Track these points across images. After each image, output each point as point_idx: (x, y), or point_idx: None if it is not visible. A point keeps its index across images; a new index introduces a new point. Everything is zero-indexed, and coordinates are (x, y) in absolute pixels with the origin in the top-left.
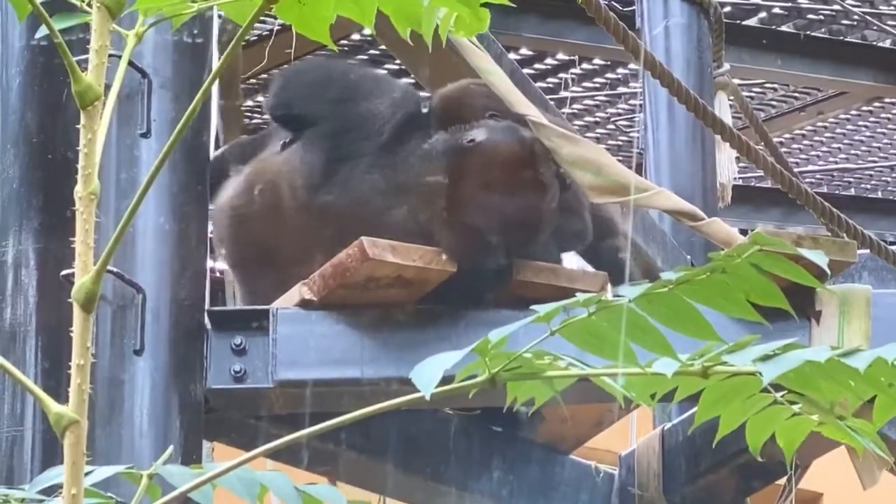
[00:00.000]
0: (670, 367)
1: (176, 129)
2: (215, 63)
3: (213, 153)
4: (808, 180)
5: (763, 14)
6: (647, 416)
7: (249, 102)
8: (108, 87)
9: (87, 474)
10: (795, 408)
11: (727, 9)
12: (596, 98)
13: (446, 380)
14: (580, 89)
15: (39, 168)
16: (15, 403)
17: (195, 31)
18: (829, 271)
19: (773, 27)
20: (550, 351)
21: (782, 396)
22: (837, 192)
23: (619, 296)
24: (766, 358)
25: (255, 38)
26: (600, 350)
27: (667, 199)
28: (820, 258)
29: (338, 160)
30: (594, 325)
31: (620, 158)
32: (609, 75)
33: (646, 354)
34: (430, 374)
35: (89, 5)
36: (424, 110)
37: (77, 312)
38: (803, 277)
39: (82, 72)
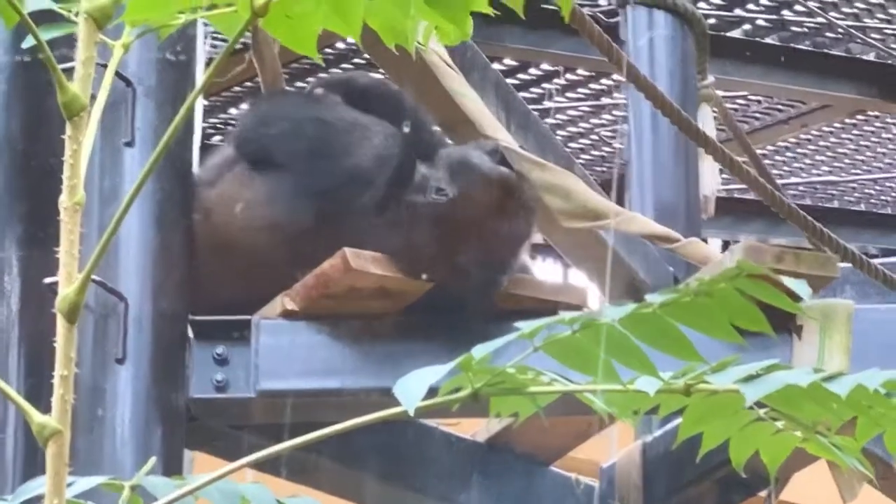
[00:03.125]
0: (653, 385)
1: (162, 141)
2: (199, 74)
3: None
4: (791, 192)
5: (747, 26)
6: (628, 427)
7: (233, 111)
8: (93, 98)
9: (69, 485)
10: (779, 424)
11: (711, 21)
12: (580, 108)
13: (429, 392)
14: (564, 100)
15: (23, 176)
16: None
17: (178, 48)
18: (807, 298)
19: (758, 39)
20: (533, 366)
21: (766, 413)
22: (821, 204)
23: (601, 316)
24: (749, 378)
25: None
26: (583, 367)
27: (640, 223)
28: (802, 288)
29: (328, 216)
30: (578, 343)
31: (604, 170)
32: (593, 86)
33: (629, 372)
34: (414, 389)
35: (76, 16)
36: (406, 129)
37: (61, 323)
38: (785, 303)
39: (68, 82)
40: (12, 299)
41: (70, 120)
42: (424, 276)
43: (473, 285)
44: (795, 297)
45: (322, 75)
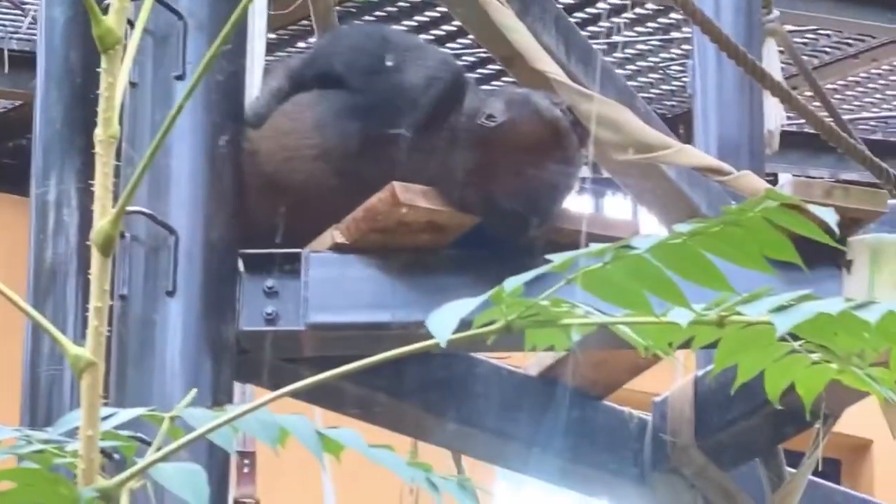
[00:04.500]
0: (685, 317)
1: (201, 65)
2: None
3: (251, 96)
4: (861, 127)
5: None
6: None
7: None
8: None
9: (111, 416)
10: (814, 356)
11: None
12: (648, 43)
13: (465, 325)
14: (632, 34)
15: (81, 108)
16: (54, 343)
17: None
18: (836, 230)
19: None
20: (568, 299)
21: (801, 345)
22: (891, 138)
23: (633, 246)
24: (780, 309)
25: None
26: (616, 299)
27: (690, 155)
28: (829, 216)
29: (372, 136)
30: (609, 275)
31: (674, 104)
32: (662, 20)
33: (662, 304)
34: (446, 321)
35: None
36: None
37: (95, 255)
38: (814, 232)
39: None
40: (71, 231)
41: (105, 53)
42: (456, 203)
43: (504, 221)
44: (832, 232)
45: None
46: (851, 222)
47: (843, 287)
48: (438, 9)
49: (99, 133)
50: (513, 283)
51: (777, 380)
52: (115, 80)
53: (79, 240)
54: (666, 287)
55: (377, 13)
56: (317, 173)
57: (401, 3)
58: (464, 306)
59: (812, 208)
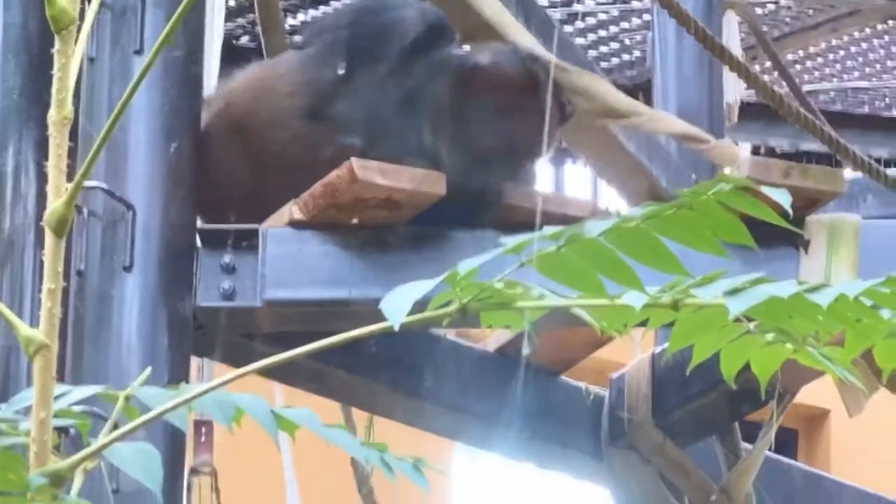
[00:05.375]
0: (640, 299)
1: (157, 42)
2: None
3: (209, 71)
4: (821, 98)
5: None
6: (650, 334)
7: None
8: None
9: (63, 395)
10: (769, 337)
11: None
12: (609, 13)
13: (421, 306)
14: (592, 2)
15: (40, 78)
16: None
17: None
18: (790, 211)
19: None
20: (522, 281)
21: (756, 326)
22: (851, 109)
23: (587, 230)
24: (734, 292)
25: None
26: (571, 281)
27: (667, 122)
28: (784, 198)
29: (353, 68)
30: (563, 258)
31: (633, 74)
32: None
33: (616, 286)
34: (399, 304)
35: None
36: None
37: (49, 236)
38: (769, 215)
39: None
40: (29, 201)
41: (58, 33)
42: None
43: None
44: (786, 213)
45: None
46: (810, 202)
47: (801, 267)
48: None
49: (52, 114)
50: (467, 265)
51: (733, 360)
52: (69, 61)
53: (36, 210)
54: (621, 270)
55: None
56: (286, 113)
57: None
58: (418, 288)
59: (767, 190)
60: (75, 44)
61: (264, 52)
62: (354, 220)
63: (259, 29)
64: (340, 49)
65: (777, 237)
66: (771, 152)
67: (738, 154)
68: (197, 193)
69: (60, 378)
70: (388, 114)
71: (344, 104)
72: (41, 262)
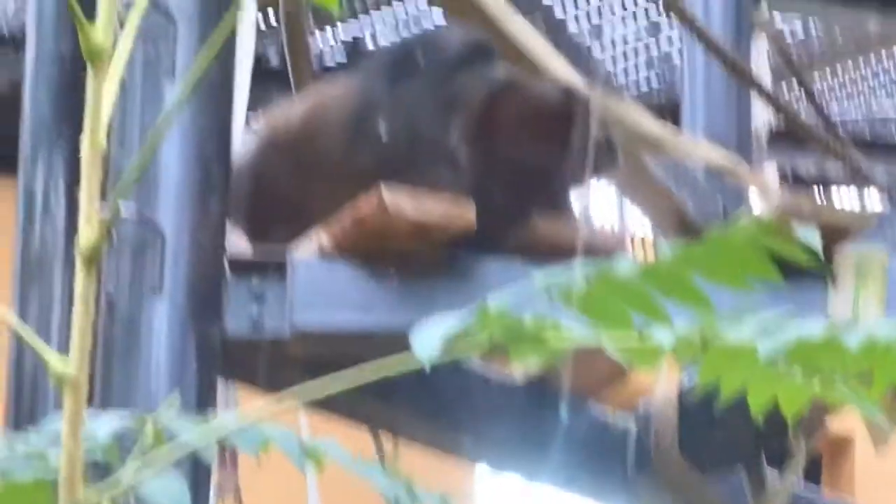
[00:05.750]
0: (669, 338)
1: (194, 68)
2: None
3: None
4: (849, 126)
5: None
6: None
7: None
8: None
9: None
10: (797, 374)
11: None
12: (638, 36)
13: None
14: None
15: (72, 96)
16: (40, 333)
17: None
18: (821, 253)
19: None
20: (552, 316)
21: (783, 362)
22: (880, 139)
23: (619, 270)
24: (763, 331)
25: None
26: (601, 317)
27: (707, 151)
28: (812, 237)
29: (396, 81)
30: (595, 296)
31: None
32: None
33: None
34: (429, 340)
35: None
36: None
37: (80, 268)
38: (798, 255)
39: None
40: (58, 220)
41: (92, 65)
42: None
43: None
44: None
45: None
46: (838, 236)
47: (830, 301)
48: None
49: (85, 146)
50: (497, 301)
51: (760, 395)
52: (102, 93)
53: (66, 228)
54: (652, 309)
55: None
56: (338, 128)
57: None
58: (445, 325)
59: (796, 228)
60: (109, 72)
61: (290, 74)
62: (383, 248)
63: (286, 51)
64: (388, 67)
65: (805, 268)
66: (796, 176)
67: (769, 180)
68: (243, 213)
69: (89, 399)
70: (424, 125)
71: (386, 116)
72: (70, 281)
